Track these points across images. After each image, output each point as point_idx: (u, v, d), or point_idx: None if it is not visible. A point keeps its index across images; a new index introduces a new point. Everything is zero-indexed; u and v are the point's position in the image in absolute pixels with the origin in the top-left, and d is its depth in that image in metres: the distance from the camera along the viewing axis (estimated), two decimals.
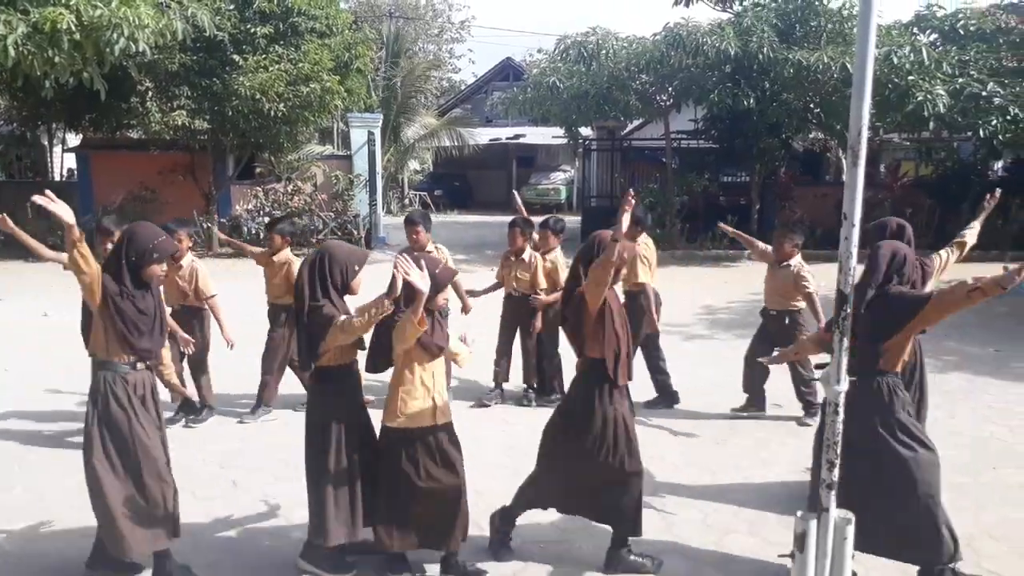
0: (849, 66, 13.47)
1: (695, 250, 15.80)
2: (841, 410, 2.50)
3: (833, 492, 2.55)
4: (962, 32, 15.13)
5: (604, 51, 14.13)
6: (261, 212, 15.91)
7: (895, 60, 13.53)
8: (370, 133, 17.03)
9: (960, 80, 14.35)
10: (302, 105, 14.73)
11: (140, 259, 3.59)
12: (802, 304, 6.10)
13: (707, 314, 10.40)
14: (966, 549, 4.08)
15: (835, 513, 2.57)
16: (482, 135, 29.04)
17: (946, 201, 16.45)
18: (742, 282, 13.14)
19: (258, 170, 18.94)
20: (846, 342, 2.46)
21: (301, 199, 16.19)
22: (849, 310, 2.44)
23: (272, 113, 14.35)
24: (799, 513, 2.66)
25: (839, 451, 2.52)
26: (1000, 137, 14.29)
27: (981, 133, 14.21)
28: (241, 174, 17.40)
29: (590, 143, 19.66)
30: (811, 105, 15.69)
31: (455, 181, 32.27)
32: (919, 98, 13.69)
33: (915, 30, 16.15)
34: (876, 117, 14.25)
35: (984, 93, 14.13)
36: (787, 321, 6.15)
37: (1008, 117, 14.12)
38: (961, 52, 14.96)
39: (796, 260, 6.22)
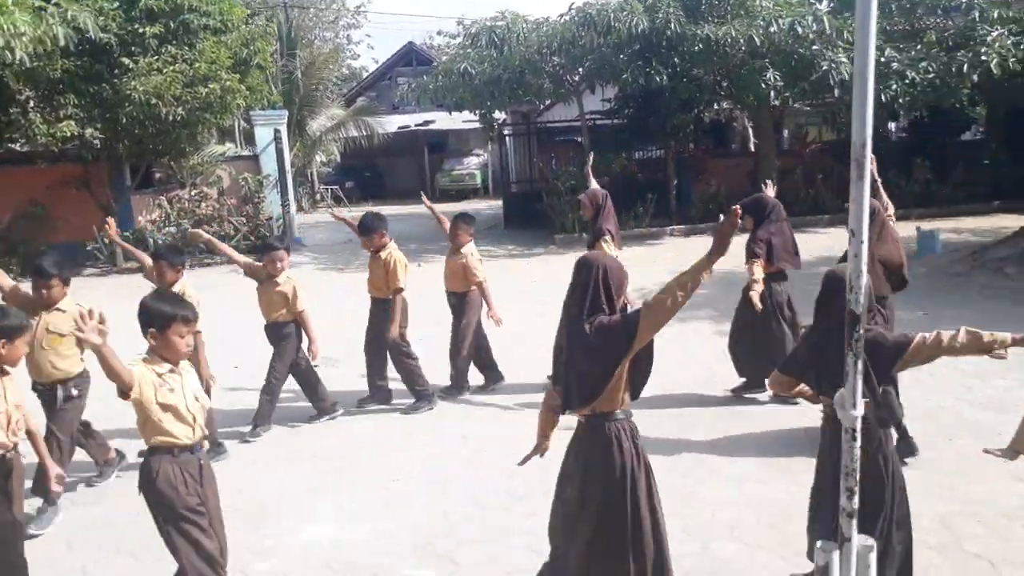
0: (757, 39, 13.66)
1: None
2: (859, 435, 2.38)
3: (854, 520, 2.42)
4: None
5: (515, 35, 13.89)
6: (167, 222, 15.05)
7: (799, 30, 13.77)
8: (276, 131, 16.33)
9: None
10: (202, 107, 13.95)
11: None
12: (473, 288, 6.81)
13: (640, 297, 10.33)
14: (943, 529, 4.11)
15: (857, 541, 2.45)
16: (390, 123, 28.42)
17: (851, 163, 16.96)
18: (671, 260, 13.20)
19: (157, 175, 17.94)
20: (860, 365, 2.33)
21: (208, 205, 15.38)
22: (862, 331, 2.31)
23: (170, 117, 13.55)
24: (819, 543, 2.54)
25: (858, 479, 2.39)
26: (900, 101, 14.79)
27: (883, 98, 14.65)
28: (141, 183, 16.43)
29: (504, 127, 19.42)
30: (719, 79, 15.85)
31: (365, 171, 31.52)
32: (824, 67, 14.02)
33: None
34: (784, 87, 14.53)
35: (883, 59, 14.56)
36: (454, 301, 6.92)
37: (906, 81, 14.61)
38: (854, 20, 15.37)
39: (468, 248, 6.79)
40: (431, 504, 4.78)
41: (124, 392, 3.18)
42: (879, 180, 5.90)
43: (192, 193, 15.63)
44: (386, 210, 27.49)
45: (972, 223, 15.14)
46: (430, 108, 28.61)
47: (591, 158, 8.03)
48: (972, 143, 17.97)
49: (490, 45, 14.11)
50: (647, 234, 15.73)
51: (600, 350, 3.06)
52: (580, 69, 15.39)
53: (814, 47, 14.21)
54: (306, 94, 24.05)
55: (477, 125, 27.42)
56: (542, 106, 16.74)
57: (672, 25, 13.65)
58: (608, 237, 6.51)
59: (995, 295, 9.34)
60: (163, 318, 3.29)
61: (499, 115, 19.32)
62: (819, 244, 14.09)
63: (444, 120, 30.05)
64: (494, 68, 14.69)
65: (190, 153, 16.21)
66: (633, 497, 3.12)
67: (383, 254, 6.54)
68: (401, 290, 6.45)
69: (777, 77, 14.26)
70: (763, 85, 14.33)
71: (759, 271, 5.94)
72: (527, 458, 3.51)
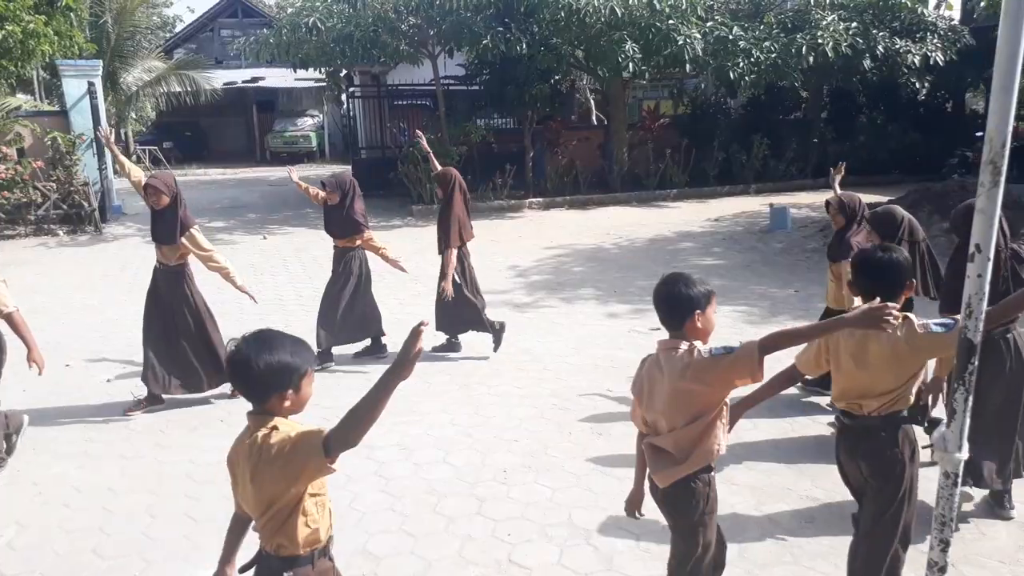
0: (618, 10, 13.52)
1: (477, 202, 15.28)
2: (960, 482, 2.05)
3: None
4: None
5: None
6: None
7: (657, 5, 13.79)
8: (90, 84, 14.24)
9: (708, 24, 15.08)
10: None
11: None
12: None
13: (519, 276, 9.98)
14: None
15: None
16: (215, 78, 26.09)
17: (698, 138, 17.49)
18: (535, 235, 12.94)
19: None
20: (970, 401, 1.99)
21: (8, 168, 13.23)
22: (976, 362, 1.98)
23: None
24: None
25: (955, 527, 2.08)
26: (746, 78, 15.28)
27: (731, 75, 15.08)
28: None
29: (353, 89, 18.25)
30: (573, 49, 15.65)
31: (186, 131, 28.99)
32: (680, 42, 14.16)
33: None
34: (641, 61, 14.54)
35: (731, 37, 14.97)
36: None
37: (751, 59, 15.11)
38: None
39: None
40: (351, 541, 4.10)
41: None
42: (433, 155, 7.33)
43: None
44: (213, 173, 25.51)
45: (807, 198, 15.98)
46: (258, 64, 26.62)
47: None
48: (802, 122, 19.02)
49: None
50: (507, 207, 15.38)
51: None
52: (434, 31, 14.61)
53: (670, 21, 14.30)
54: (118, 43, 21.46)
55: (311, 84, 25.89)
56: (392, 67, 15.79)
57: None
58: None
59: None
60: None
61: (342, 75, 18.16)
62: (675, 218, 14.36)
63: (275, 77, 28.11)
64: (345, 24, 13.62)
65: None
66: None
67: None
68: None
69: (635, 49, 14.25)
70: (621, 57, 14.26)
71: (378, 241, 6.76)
72: None
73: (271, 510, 2.18)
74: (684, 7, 14.30)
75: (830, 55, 15.11)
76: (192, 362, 5.74)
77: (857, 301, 3.17)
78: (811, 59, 15.19)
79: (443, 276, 6.54)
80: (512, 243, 12.20)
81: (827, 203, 5.46)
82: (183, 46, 30.98)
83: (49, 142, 13.93)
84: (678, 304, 2.72)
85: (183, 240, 5.55)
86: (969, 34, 16.89)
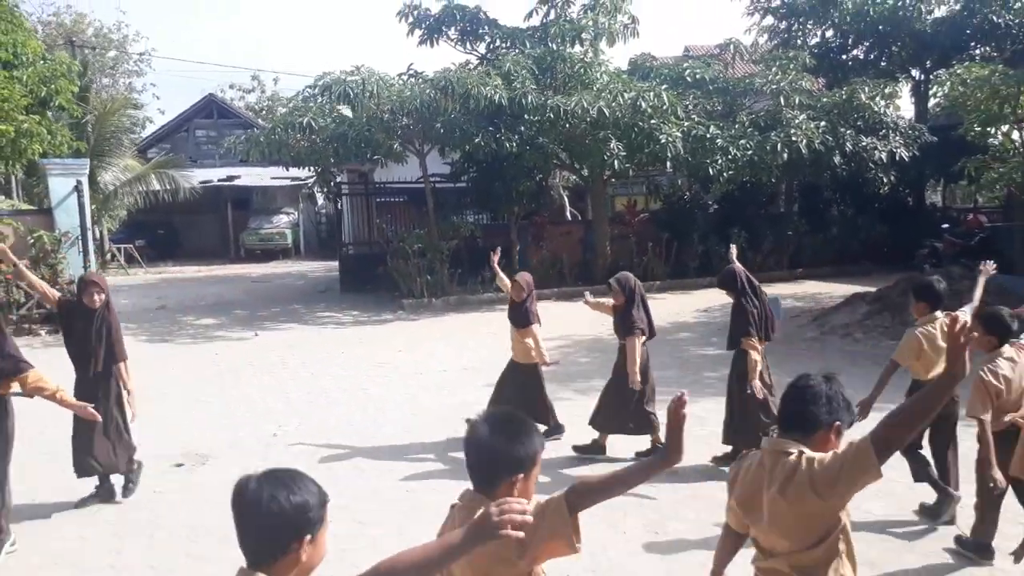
0: (606, 110, 14.03)
1: (467, 295, 15.40)
2: None
3: None
4: (689, 80, 16.58)
5: (367, 92, 13.22)
6: None
7: (642, 104, 14.34)
8: (78, 182, 14.21)
9: (686, 123, 15.69)
10: None
11: None
12: None
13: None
14: None
15: None
16: (191, 177, 26.21)
17: (676, 232, 17.92)
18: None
19: None
20: None
21: None
22: None
23: None
24: None
25: None
26: (724, 174, 15.86)
27: (710, 171, 15.63)
28: None
29: (343, 187, 18.49)
30: (558, 148, 16.13)
31: (159, 229, 28.84)
32: (662, 140, 14.70)
33: (632, 76, 17.41)
34: (625, 158, 15.02)
35: (708, 135, 15.58)
36: None
37: (729, 156, 15.71)
38: (682, 98, 16.39)
39: None
40: None
41: None
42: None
43: None
44: (189, 271, 25.26)
45: (787, 289, 16.30)
46: (233, 163, 26.81)
47: None
48: (777, 215, 19.64)
49: (342, 99, 13.32)
50: (496, 299, 15.41)
51: None
52: (430, 131, 14.98)
53: (652, 121, 14.86)
54: (98, 143, 21.52)
55: (287, 182, 26.16)
56: (383, 165, 16.10)
57: (529, 97, 13.79)
58: None
59: (854, 360, 9.91)
60: None
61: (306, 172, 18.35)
62: (664, 309, 14.46)
63: (250, 176, 28.34)
64: (339, 124, 13.91)
65: None
66: None
67: None
68: None
69: (620, 148, 14.73)
70: (606, 155, 14.73)
71: None
72: None
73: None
74: (665, 107, 14.89)
75: (804, 152, 15.78)
76: None
77: None
78: (785, 155, 15.84)
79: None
80: (508, 334, 12.14)
81: (608, 283, 6.80)
82: (157, 146, 31.18)
83: (32, 240, 13.73)
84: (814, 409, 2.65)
85: None
86: (928, 131, 17.86)
